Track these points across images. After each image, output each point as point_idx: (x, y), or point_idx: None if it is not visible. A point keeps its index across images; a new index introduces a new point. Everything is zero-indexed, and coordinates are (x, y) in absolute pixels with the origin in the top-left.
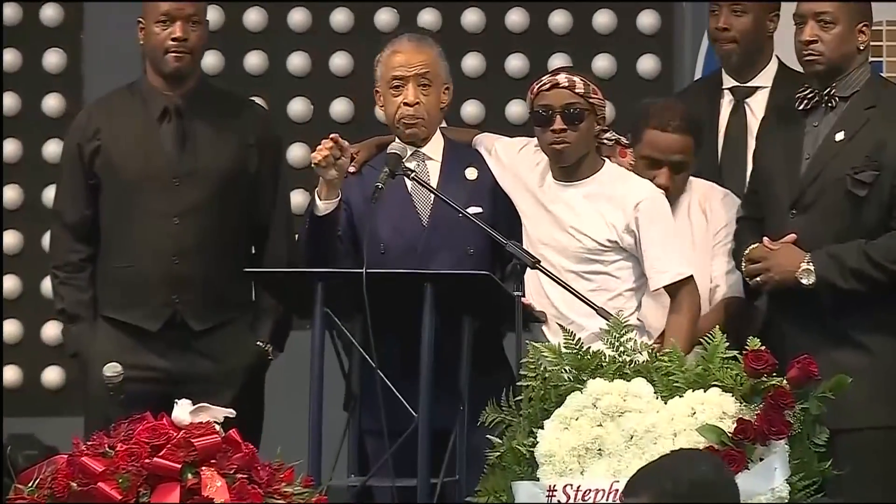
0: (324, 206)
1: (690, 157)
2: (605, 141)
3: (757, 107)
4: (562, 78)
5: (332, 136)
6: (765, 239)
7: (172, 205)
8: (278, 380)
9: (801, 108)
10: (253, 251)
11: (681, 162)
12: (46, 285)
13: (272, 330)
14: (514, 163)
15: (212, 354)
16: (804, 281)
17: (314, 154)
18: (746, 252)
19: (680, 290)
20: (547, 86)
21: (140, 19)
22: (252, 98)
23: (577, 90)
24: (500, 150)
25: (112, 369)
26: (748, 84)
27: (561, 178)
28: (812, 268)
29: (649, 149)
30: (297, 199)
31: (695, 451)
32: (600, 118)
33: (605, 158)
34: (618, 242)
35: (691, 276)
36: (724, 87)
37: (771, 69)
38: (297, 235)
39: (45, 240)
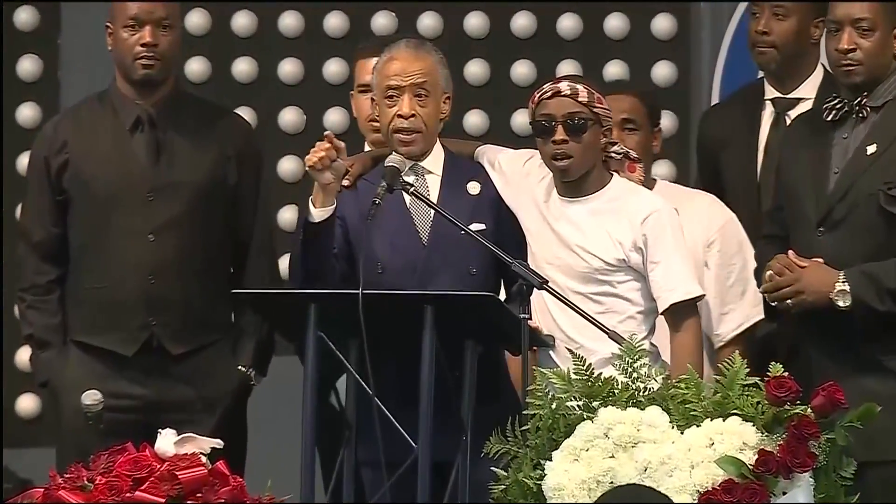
0: (319, 214)
1: (642, 118)
2: (613, 154)
3: None
4: (564, 86)
5: (326, 134)
6: (790, 252)
7: (147, 221)
8: (261, 406)
9: (829, 119)
10: (232, 270)
11: (629, 120)
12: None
13: (254, 353)
14: (519, 177)
15: (191, 380)
16: (840, 303)
17: (308, 156)
18: (769, 265)
19: (687, 309)
20: (548, 94)
21: (108, 23)
22: (241, 108)
23: (580, 99)
24: (503, 162)
25: (91, 397)
26: (790, 95)
27: (566, 193)
28: (847, 288)
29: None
30: (288, 215)
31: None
32: (606, 130)
33: (613, 173)
34: (626, 261)
35: (701, 296)
36: (765, 97)
37: (815, 79)
38: (288, 254)
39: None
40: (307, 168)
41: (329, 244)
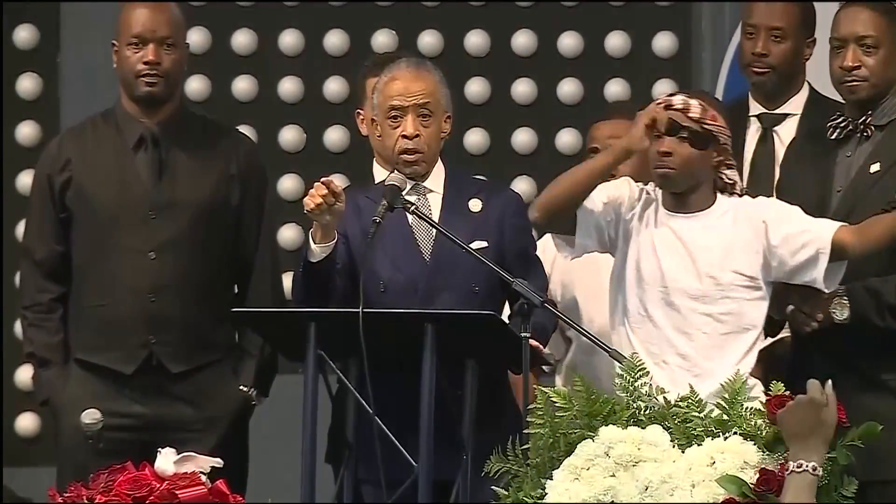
0: (319, 251)
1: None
2: (723, 177)
3: (786, 135)
4: (677, 99)
5: (323, 180)
6: None
7: (149, 239)
8: (263, 426)
9: (832, 137)
10: (236, 289)
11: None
12: (20, 326)
13: (256, 374)
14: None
15: (191, 399)
16: (837, 316)
17: (306, 200)
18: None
19: (844, 230)
20: (661, 106)
21: (114, 42)
22: (241, 126)
23: (691, 114)
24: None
25: (91, 416)
26: (777, 111)
27: (674, 209)
28: (846, 302)
29: (591, 141)
30: (289, 233)
31: None
32: (723, 148)
33: (718, 193)
34: (747, 274)
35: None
36: (750, 114)
37: (802, 96)
38: (288, 273)
39: (19, 278)
40: (305, 212)
41: (331, 275)
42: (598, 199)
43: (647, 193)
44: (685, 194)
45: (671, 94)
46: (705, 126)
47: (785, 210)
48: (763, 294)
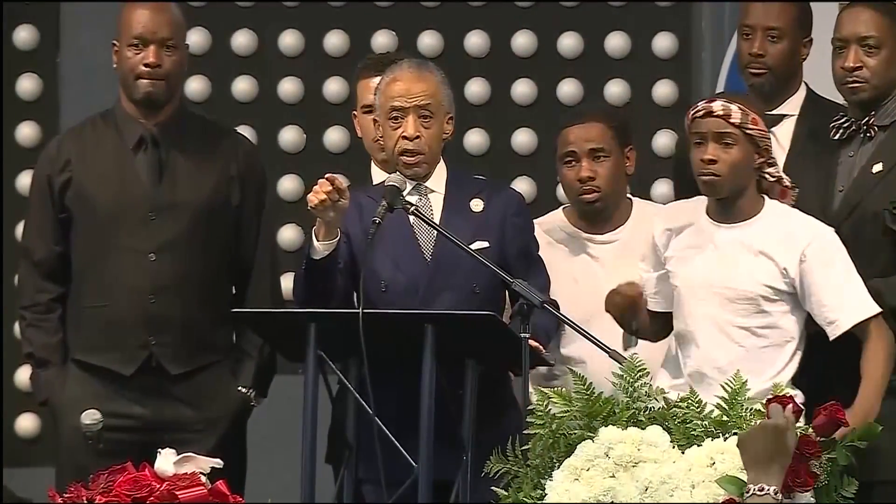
0: (322, 248)
1: (611, 145)
2: (767, 177)
3: (783, 136)
4: (717, 105)
5: (328, 176)
6: None
7: (148, 240)
8: (263, 427)
9: (835, 137)
10: (234, 291)
11: (597, 149)
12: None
13: (255, 375)
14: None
15: (190, 400)
16: None
17: (310, 197)
18: None
19: (866, 330)
20: (701, 112)
21: (115, 41)
22: (241, 126)
23: (732, 119)
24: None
25: (91, 416)
26: (774, 112)
27: (718, 218)
28: None
29: (562, 146)
30: (289, 234)
31: None
32: (764, 149)
33: (764, 196)
34: (786, 289)
35: (879, 313)
36: None
37: (799, 96)
38: (288, 274)
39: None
40: (309, 208)
41: (333, 272)
42: (652, 292)
43: (682, 214)
44: (731, 201)
45: (709, 100)
46: (747, 131)
47: (827, 259)
48: (794, 306)
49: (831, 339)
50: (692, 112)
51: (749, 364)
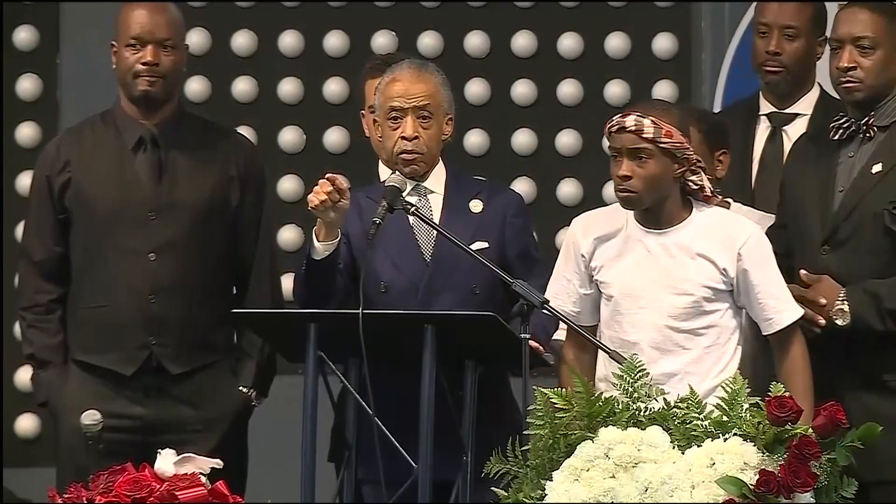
0: (322, 248)
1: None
2: (690, 185)
3: (795, 134)
4: (630, 120)
5: (328, 176)
6: (801, 271)
7: (148, 240)
8: (263, 427)
9: (835, 137)
10: (234, 291)
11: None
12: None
13: (255, 375)
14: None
15: (191, 401)
16: (838, 322)
17: (310, 197)
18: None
19: (793, 333)
20: (615, 127)
21: (113, 42)
22: (241, 127)
23: (644, 135)
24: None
25: (91, 417)
26: (787, 111)
27: (648, 225)
28: (846, 307)
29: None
30: (288, 234)
31: None
32: (683, 159)
33: (692, 200)
34: (723, 288)
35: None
36: (760, 112)
37: (812, 96)
38: (288, 274)
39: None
40: (309, 208)
41: (333, 273)
42: (566, 303)
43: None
44: (655, 209)
45: (624, 115)
46: (661, 145)
47: (762, 256)
48: (731, 302)
49: (765, 334)
50: (608, 126)
51: (696, 366)
